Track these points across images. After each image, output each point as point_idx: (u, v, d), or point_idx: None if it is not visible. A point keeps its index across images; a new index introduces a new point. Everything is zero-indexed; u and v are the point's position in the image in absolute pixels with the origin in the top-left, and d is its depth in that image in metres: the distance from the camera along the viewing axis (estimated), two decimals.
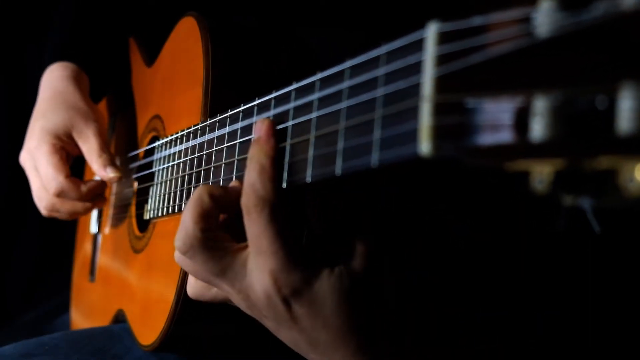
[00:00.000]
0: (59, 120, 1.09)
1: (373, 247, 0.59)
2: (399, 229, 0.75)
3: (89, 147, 1.09)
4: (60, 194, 1.07)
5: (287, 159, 0.60)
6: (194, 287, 0.71)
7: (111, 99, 1.34)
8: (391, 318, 0.60)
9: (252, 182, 0.59)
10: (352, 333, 0.59)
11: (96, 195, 1.11)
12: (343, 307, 0.58)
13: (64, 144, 1.09)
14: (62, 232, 1.61)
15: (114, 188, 1.23)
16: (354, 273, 0.58)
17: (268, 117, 0.64)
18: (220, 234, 0.64)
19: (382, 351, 0.60)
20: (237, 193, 0.68)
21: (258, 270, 0.59)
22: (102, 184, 1.12)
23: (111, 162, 1.09)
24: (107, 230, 1.27)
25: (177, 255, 0.66)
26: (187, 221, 0.63)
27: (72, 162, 1.13)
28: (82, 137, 1.10)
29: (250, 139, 0.68)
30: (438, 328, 0.70)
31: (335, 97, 0.54)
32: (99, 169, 1.08)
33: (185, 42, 0.97)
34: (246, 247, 0.61)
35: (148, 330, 0.95)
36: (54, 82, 1.14)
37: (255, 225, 0.58)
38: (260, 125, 0.63)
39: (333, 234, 0.62)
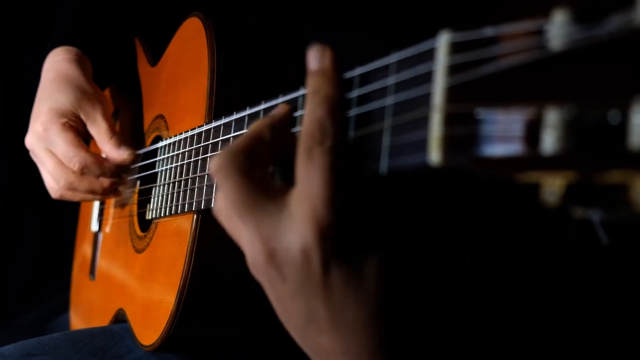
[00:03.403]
0: (66, 100, 1.08)
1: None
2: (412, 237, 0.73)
3: (99, 130, 1.09)
4: (84, 169, 1.06)
5: None
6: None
7: (114, 95, 1.34)
8: (417, 320, 0.55)
9: (318, 118, 0.51)
10: (382, 321, 0.52)
11: (116, 174, 1.10)
12: (385, 288, 0.51)
13: (73, 123, 1.09)
14: (62, 232, 1.61)
15: None
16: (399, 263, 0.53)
17: (329, 47, 0.56)
18: (264, 168, 0.56)
19: (403, 352, 0.54)
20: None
21: (302, 219, 0.50)
22: (124, 166, 1.11)
23: (123, 142, 1.08)
24: (107, 229, 1.27)
25: (212, 167, 0.56)
26: (238, 140, 0.55)
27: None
28: (89, 119, 1.09)
29: None
30: (445, 340, 0.68)
31: (344, 105, 0.54)
32: (112, 150, 1.07)
33: (191, 42, 0.97)
34: (288, 190, 0.53)
35: (149, 330, 0.95)
36: (58, 64, 1.13)
37: (314, 166, 0.50)
38: (321, 54, 0.55)
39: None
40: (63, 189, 1.09)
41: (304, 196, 0.51)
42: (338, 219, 0.50)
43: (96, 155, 1.07)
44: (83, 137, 1.12)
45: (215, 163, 0.54)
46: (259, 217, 0.53)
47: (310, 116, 0.52)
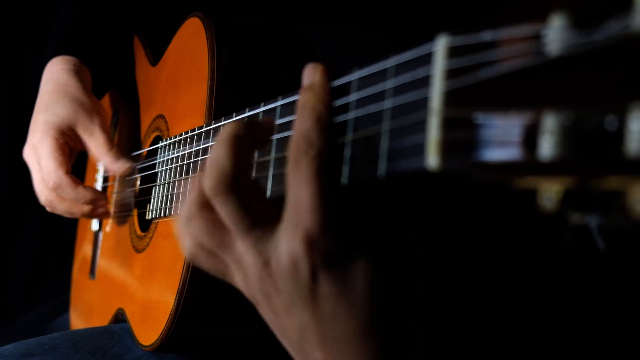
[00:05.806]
0: (63, 113, 1.09)
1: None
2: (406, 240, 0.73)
3: (97, 143, 1.09)
4: (57, 189, 1.07)
5: None
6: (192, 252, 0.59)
7: (114, 95, 1.34)
8: (410, 325, 0.54)
9: (305, 130, 0.52)
10: (376, 332, 0.52)
11: (94, 202, 1.11)
12: (376, 297, 0.51)
13: (67, 139, 1.09)
14: (63, 232, 1.62)
15: (116, 187, 1.23)
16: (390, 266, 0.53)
17: (321, 63, 0.57)
18: (251, 178, 0.56)
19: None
20: (271, 127, 0.60)
21: (291, 228, 0.51)
22: (102, 196, 1.13)
23: (122, 155, 1.09)
24: (108, 228, 1.27)
25: (190, 206, 0.55)
26: (220, 158, 0.54)
27: (75, 160, 1.13)
28: (87, 133, 1.09)
29: None
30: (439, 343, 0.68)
31: (343, 108, 0.54)
32: (111, 162, 1.08)
33: (191, 42, 0.97)
34: (281, 204, 0.53)
35: (148, 330, 0.95)
36: (56, 75, 1.13)
37: (300, 176, 0.51)
38: (312, 70, 0.56)
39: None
40: (44, 204, 1.12)
41: (291, 205, 0.51)
42: (324, 227, 0.50)
43: (73, 178, 1.08)
44: (78, 151, 1.13)
45: (211, 188, 0.54)
46: (258, 234, 0.53)
47: (297, 128, 0.53)
